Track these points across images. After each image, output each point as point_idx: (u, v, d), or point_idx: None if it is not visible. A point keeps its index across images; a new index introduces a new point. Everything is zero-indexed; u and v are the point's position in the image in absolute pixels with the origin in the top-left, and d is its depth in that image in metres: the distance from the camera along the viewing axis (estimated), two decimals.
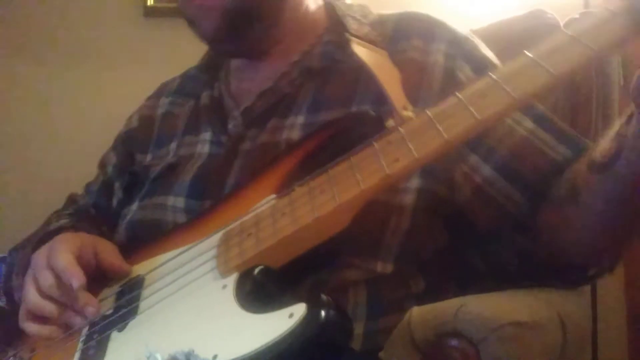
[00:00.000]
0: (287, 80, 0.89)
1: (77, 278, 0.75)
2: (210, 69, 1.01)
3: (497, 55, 0.89)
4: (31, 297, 0.79)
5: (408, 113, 0.74)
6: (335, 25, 0.91)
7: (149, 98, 1.10)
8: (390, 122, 0.73)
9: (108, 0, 1.71)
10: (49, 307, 0.78)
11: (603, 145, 0.64)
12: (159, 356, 0.49)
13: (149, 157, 1.01)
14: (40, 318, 0.79)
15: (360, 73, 0.84)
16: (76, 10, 1.67)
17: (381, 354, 0.73)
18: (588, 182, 0.68)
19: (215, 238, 0.74)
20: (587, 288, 1.43)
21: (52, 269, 0.78)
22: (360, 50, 0.82)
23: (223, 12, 0.86)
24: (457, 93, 0.65)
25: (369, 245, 0.79)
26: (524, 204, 0.79)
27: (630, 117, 0.59)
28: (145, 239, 0.87)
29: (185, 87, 1.04)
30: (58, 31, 1.67)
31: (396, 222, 0.80)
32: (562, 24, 0.91)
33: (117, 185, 1.05)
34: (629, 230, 0.72)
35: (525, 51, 0.62)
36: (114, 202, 1.05)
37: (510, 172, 0.80)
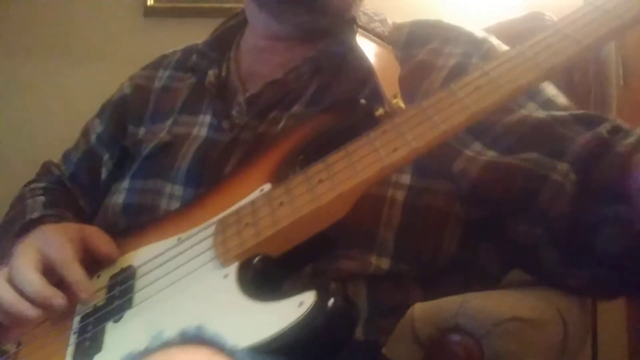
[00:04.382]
0: (295, 74, 0.90)
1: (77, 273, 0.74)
2: (220, 47, 0.99)
3: None
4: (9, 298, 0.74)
5: (397, 102, 0.76)
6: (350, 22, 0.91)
7: (145, 68, 1.06)
8: (380, 111, 0.75)
9: (108, 0, 1.69)
10: (29, 310, 0.74)
11: None
12: (167, 332, 0.49)
13: (142, 131, 0.98)
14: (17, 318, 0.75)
15: (363, 73, 0.85)
16: (76, 10, 1.66)
17: (384, 350, 0.75)
18: None
19: (210, 228, 0.75)
20: None
21: (45, 262, 0.76)
22: (364, 45, 0.82)
23: None
24: (451, 85, 0.68)
25: (364, 237, 0.79)
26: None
27: None
28: (137, 224, 0.86)
29: (187, 61, 1.01)
30: (57, 31, 1.66)
31: (388, 215, 0.80)
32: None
33: (106, 157, 1.02)
34: None
35: (518, 46, 0.65)
36: (104, 174, 1.01)
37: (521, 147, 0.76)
